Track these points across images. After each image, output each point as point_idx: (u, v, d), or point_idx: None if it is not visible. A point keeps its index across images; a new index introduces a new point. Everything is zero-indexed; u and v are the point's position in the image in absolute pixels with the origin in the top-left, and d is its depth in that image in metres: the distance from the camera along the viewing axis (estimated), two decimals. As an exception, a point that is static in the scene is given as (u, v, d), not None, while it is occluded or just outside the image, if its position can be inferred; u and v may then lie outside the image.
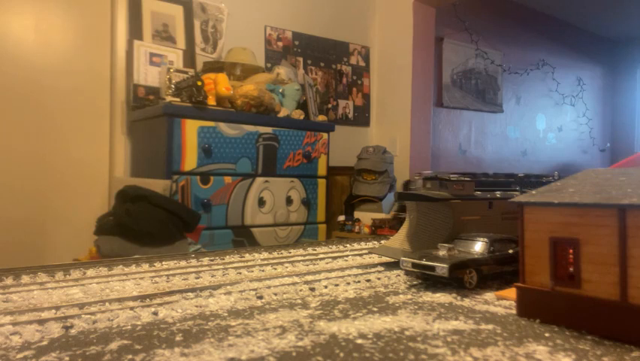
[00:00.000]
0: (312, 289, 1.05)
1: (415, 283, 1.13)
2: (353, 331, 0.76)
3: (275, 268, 1.28)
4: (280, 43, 3.76)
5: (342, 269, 1.25)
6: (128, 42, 2.95)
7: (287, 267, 1.30)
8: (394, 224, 3.15)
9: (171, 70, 2.77)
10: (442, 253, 1.12)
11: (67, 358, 0.65)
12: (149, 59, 2.95)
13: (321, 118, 3.26)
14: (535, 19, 5.69)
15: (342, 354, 0.66)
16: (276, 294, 1.01)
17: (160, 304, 0.90)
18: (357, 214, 3.47)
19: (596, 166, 5.74)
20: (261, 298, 0.98)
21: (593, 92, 6.58)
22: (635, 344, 0.69)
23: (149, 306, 0.89)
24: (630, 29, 6.39)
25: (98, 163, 2.91)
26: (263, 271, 1.25)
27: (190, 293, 0.98)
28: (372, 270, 1.25)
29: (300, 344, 0.70)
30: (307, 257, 1.44)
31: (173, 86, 2.68)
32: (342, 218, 3.43)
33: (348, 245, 1.72)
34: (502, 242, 1.17)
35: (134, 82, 2.90)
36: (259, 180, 2.79)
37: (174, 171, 2.48)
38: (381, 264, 1.32)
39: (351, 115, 4.21)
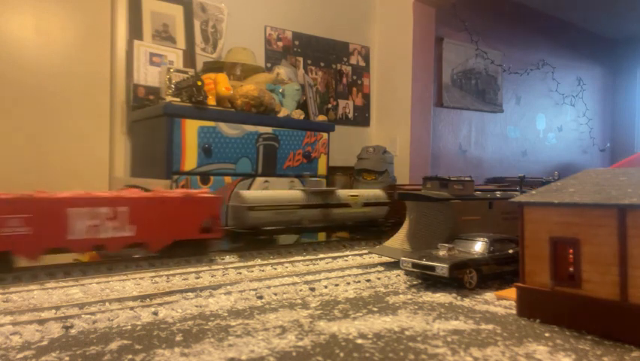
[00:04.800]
0: (312, 289, 1.05)
1: (415, 283, 1.13)
2: (353, 331, 0.76)
3: (275, 268, 1.28)
4: (280, 43, 3.76)
5: (342, 269, 1.25)
6: (128, 42, 2.95)
7: (287, 267, 1.30)
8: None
9: (171, 70, 2.77)
10: (442, 253, 1.12)
11: (67, 358, 0.65)
12: (149, 59, 2.95)
13: (321, 118, 3.26)
14: (535, 19, 5.68)
15: (342, 354, 0.66)
16: (276, 294, 1.01)
17: (160, 304, 0.91)
18: (357, 214, 3.46)
19: (596, 166, 5.74)
20: (261, 298, 0.98)
21: (593, 92, 6.58)
22: (635, 344, 0.69)
23: (149, 306, 0.89)
24: (630, 29, 6.39)
25: (98, 163, 2.91)
26: (263, 271, 1.25)
27: (190, 293, 0.98)
28: (372, 270, 1.25)
29: (300, 344, 0.70)
30: (307, 257, 1.44)
31: (173, 86, 2.68)
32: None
33: (348, 245, 1.72)
34: (502, 242, 1.17)
35: (134, 82, 2.89)
36: (259, 180, 2.78)
37: (174, 171, 2.48)
38: (381, 264, 1.32)
39: (351, 115, 4.21)
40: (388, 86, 4.23)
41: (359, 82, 4.26)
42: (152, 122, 2.66)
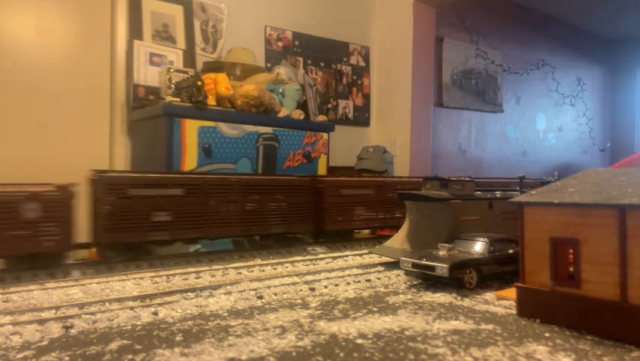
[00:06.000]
0: (312, 289, 1.05)
1: (415, 283, 1.13)
2: (353, 331, 0.76)
3: (275, 268, 1.28)
4: (280, 43, 3.76)
5: (342, 269, 1.25)
6: (128, 42, 2.95)
7: (287, 267, 1.30)
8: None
9: (171, 70, 2.77)
10: (442, 253, 1.12)
11: (67, 358, 0.65)
12: (149, 59, 2.95)
13: (321, 118, 3.26)
14: (535, 19, 5.68)
15: (342, 354, 0.66)
16: (276, 294, 1.01)
17: (160, 304, 0.91)
18: (357, 214, 3.46)
19: (596, 166, 5.74)
20: (261, 298, 0.98)
21: (593, 92, 6.58)
22: (635, 344, 0.69)
23: (149, 306, 0.89)
24: (630, 29, 6.38)
25: (98, 163, 2.90)
26: (263, 271, 1.25)
27: (190, 293, 0.98)
28: (372, 270, 1.25)
29: (300, 344, 0.70)
30: (307, 257, 1.44)
31: (173, 86, 2.68)
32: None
33: (348, 245, 1.72)
34: (502, 242, 1.17)
35: (134, 82, 2.89)
36: (259, 180, 2.78)
37: (174, 171, 2.48)
38: (381, 264, 1.32)
39: (351, 115, 4.21)
40: (388, 86, 4.23)
41: (359, 82, 4.26)
42: (152, 122, 2.66)
